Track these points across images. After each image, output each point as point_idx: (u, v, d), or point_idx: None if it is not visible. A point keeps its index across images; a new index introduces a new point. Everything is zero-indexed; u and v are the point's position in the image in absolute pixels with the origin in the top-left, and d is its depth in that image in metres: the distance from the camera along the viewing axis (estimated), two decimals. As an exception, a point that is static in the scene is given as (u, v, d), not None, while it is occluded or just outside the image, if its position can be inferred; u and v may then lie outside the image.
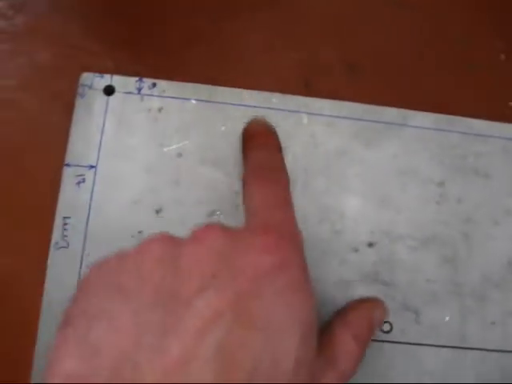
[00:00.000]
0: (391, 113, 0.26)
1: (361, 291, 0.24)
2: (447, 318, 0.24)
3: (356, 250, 0.24)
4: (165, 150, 0.24)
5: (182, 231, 0.24)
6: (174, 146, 0.24)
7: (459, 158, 0.25)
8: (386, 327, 0.24)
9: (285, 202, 0.20)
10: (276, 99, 0.25)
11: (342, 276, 0.24)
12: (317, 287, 0.24)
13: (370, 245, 0.24)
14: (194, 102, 0.25)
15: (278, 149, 0.24)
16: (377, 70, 0.27)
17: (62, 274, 0.23)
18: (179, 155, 0.24)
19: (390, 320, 0.24)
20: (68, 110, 0.25)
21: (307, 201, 0.24)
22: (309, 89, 0.26)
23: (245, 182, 0.21)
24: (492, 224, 0.25)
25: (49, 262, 0.23)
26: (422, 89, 0.27)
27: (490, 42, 0.28)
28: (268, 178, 0.21)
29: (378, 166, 0.25)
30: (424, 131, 0.26)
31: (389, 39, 0.28)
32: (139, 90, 0.25)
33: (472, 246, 0.25)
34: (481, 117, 0.27)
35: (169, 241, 0.18)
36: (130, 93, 0.25)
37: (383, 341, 0.24)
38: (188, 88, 0.25)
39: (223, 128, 0.25)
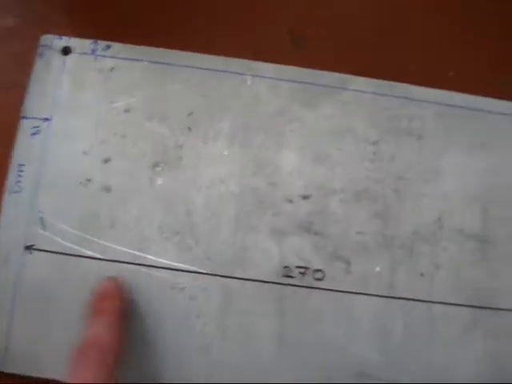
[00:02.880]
0: (331, 77, 0.27)
1: (294, 241, 0.25)
2: (377, 269, 0.26)
3: (290, 202, 0.26)
4: (113, 105, 0.26)
5: (127, 180, 0.26)
6: (122, 103, 0.26)
7: (393, 119, 0.27)
8: (319, 275, 0.25)
9: None
10: (222, 62, 0.27)
11: (276, 225, 0.25)
12: (252, 235, 0.25)
13: (305, 197, 0.26)
14: (145, 63, 0.27)
15: (120, 315, 0.22)
16: (324, 40, 0.29)
17: (14, 217, 0.25)
18: (127, 111, 0.26)
19: (323, 268, 0.25)
20: (28, 69, 0.27)
21: (245, 155, 0.26)
22: (257, 58, 0.28)
23: (72, 358, 0.20)
24: (422, 182, 0.26)
25: (3, 205, 0.25)
26: (366, 58, 0.28)
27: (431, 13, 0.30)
28: (92, 360, 0.20)
29: (315, 124, 0.27)
30: (362, 94, 0.27)
31: (334, 9, 0.29)
32: (94, 51, 0.27)
33: (403, 202, 0.26)
34: (421, 84, 0.28)
35: None
36: (84, 53, 0.27)
37: (315, 287, 0.25)
38: (140, 50, 0.27)
39: (170, 87, 0.27)
